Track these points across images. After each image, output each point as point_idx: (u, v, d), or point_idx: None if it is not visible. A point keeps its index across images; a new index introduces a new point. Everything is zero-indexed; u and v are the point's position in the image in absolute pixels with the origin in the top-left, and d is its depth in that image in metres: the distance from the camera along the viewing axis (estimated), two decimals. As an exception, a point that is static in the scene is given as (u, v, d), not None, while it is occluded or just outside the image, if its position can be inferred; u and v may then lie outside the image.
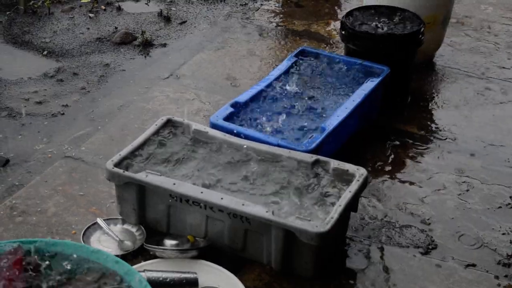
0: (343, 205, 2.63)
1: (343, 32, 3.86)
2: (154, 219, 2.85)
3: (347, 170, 2.84)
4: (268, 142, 3.02)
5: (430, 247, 2.91)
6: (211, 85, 4.06)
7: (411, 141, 3.62)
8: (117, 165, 2.81)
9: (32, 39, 4.59)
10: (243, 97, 3.40)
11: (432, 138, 3.66)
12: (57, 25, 4.78)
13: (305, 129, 3.26)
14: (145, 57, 4.43)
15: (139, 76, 4.18)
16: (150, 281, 2.47)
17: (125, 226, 2.89)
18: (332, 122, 3.23)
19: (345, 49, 3.97)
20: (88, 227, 2.86)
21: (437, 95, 4.07)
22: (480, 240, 2.96)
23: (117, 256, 2.21)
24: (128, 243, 2.80)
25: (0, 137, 3.57)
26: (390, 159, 3.46)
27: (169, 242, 2.75)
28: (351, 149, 3.41)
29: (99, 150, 3.41)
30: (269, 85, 3.53)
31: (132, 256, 2.73)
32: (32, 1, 4.98)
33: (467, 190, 3.26)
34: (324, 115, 3.35)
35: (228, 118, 3.23)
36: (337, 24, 4.70)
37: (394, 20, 3.88)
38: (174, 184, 2.71)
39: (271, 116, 3.32)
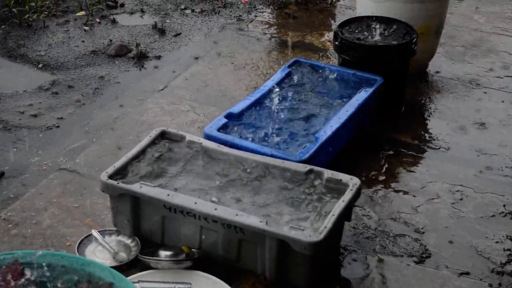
0: (337, 215, 2.64)
1: (336, 43, 3.88)
2: (148, 230, 2.85)
3: (341, 180, 2.85)
4: (262, 153, 3.04)
5: (424, 256, 2.92)
6: (205, 97, 4.08)
7: (404, 151, 3.63)
8: (112, 176, 2.82)
9: (27, 52, 4.60)
10: (237, 108, 3.41)
11: (425, 147, 3.68)
12: (52, 38, 4.80)
13: (298, 139, 3.27)
14: (140, 69, 4.44)
15: (134, 88, 4.19)
16: (145, 292, 2.49)
17: (120, 237, 2.90)
18: (325, 132, 3.24)
19: (338, 60, 3.99)
20: (83, 239, 2.87)
21: (430, 105, 4.09)
22: (474, 248, 2.97)
23: (112, 267, 2.21)
24: (122, 255, 2.81)
25: (-5, 150, 3.59)
26: (384, 169, 3.48)
27: (163, 253, 2.76)
28: (345, 158, 3.42)
29: (94, 162, 3.42)
30: (263, 96, 3.55)
31: (127, 267, 2.73)
32: (27, 15, 5.00)
33: (461, 199, 3.27)
34: (317, 125, 3.37)
35: (222, 129, 3.25)
36: (331, 35, 4.71)
37: (387, 31, 3.91)
38: (168, 195, 2.72)
39: (265, 126, 3.34)
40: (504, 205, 3.24)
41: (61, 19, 5.09)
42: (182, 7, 5.38)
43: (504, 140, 3.76)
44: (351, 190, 2.78)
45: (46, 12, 5.10)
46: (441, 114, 4.00)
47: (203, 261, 2.74)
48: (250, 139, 3.23)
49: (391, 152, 3.61)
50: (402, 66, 3.87)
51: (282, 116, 3.44)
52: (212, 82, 4.25)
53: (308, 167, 2.92)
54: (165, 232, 2.82)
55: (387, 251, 2.93)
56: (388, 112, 3.87)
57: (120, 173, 2.87)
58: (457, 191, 3.33)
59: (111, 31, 4.95)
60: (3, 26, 4.92)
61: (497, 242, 3.01)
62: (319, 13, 5.32)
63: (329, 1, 5.48)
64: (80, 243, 2.84)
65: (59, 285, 2.08)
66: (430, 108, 4.06)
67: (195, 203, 2.69)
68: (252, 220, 2.60)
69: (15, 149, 3.58)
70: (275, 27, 5.09)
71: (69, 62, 4.50)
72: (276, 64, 4.48)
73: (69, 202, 3.14)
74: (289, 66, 3.83)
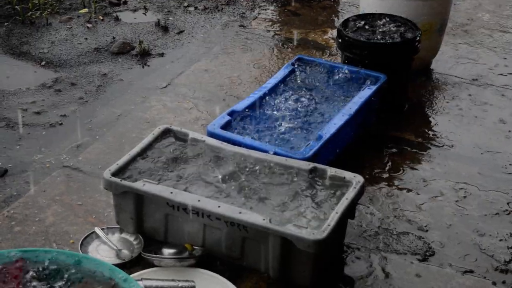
0: (340, 213, 2.64)
1: (339, 40, 3.87)
2: (152, 227, 2.85)
3: (344, 178, 2.84)
4: (265, 150, 3.03)
5: (427, 253, 2.92)
6: (208, 94, 4.07)
7: (408, 148, 3.62)
8: (115, 174, 2.82)
9: (30, 50, 4.60)
10: (240, 106, 3.41)
11: (429, 145, 3.67)
12: (55, 36, 4.79)
13: (301, 136, 3.27)
14: (143, 66, 4.44)
15: (137, 86, 4.19)
16: (148, 289, 2.48)
17: (123, 235, 2.90)
18: (329, 129, 3.23)
19: (341, 57, 3.98)
20: (86, 237, 2.87)
21: (434, 102, 4.08)
22: (478, 246, 2.97)
23: (115, 265, 2.21)
24: (126, 252, 2.80)
25: (-2, 148, 3.59)
26: (388, 166, 3.47)
27: (167, 251, 2.76)
28: (348, 156, 3.42)
29: (97, 160, 3.42)
30: (266, 94, 3.54)
31: (130, 265, 2.73)
32: (30, 12, 5.00)
33: (465, 197, 3.27)
34: (321, 123, 3.36)
35: (225, 126, 3.24)
36: (334, 32, 4.71)
37: (390, 28, 3.90)
38: (172, 192, 2.72)
39: (268, 124, 3.33)
40: (508, 203, 3.24)
41: (64, 16, 5.09)
42: (185, 4, 5.37)
43: (508, 138, 3.75)
44: (355, 188, 2.77)
45: (49, 10, 5.10)
46: (444, 112, 3.99)
47: (206, 259, 2.74)
48: (253, 136, 3.22)
49: (394, 150, 3.60)
50: (405, 64, 3.86)
51: (285, 114, 3.43)
52: (215, 80, 4.25)
53: (311, 164, 2.91)
54: (168, 230, 2.82)
55: (390, 249, 2.93)
56: (391, 109, 3.87)
57: (123, 171, 2.86)
58: (461, 188, 3.32)
59: (114, 28, 4.94)
60: (6, 24, 4.92)
61: (501, 240, 3.01)
62: (322, 10, 5.31)
63: (332, -1, 5.48)
64: (83, 240, 2.84)
65: (61, 282, 2.08)
66: (433, 105, 4.05)
67: (198, 200, 2.68)
68: (256, 218, 2.59)
69: (18, 147, 3.58)
70: (278, 24, 5.08)
71: (72, 59, 4.50)
72: (279, 61, 4.47)
73: (72, 200, 3.13)
74: (292, 64, 3.82)
